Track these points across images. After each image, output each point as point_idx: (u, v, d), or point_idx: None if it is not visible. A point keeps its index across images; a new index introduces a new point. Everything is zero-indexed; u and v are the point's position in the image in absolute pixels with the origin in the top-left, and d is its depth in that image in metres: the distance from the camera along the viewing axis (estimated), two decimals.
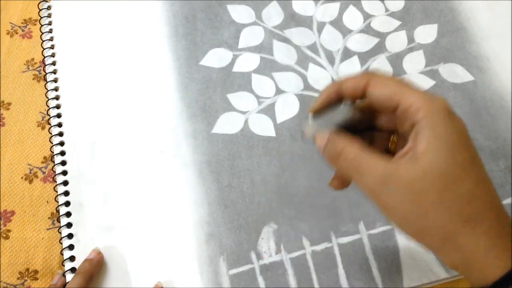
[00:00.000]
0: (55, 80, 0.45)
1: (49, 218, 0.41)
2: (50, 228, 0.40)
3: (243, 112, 0.44)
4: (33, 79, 0.46)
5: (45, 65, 0.46)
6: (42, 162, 0.43)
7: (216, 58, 0.46)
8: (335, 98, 0.28)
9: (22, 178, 0.42)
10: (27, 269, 0.39)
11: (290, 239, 0.39)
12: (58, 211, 0.40)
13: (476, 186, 0.24)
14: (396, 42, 0.47)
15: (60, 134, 0.43)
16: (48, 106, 0.44)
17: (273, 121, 0.43)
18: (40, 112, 0.45)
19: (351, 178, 0.27)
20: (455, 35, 0.47)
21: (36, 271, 0.39)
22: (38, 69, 0.47)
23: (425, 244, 0.25)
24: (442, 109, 0.25)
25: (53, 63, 0.46)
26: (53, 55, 0.46)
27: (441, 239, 0.24)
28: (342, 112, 0.27)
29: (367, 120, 0.29)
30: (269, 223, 0.39)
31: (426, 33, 0.47)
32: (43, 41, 0.47)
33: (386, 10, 0.48)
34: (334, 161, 0.27)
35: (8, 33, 0.48)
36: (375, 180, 0.25)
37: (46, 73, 0.46)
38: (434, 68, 0.45)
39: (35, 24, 0.49)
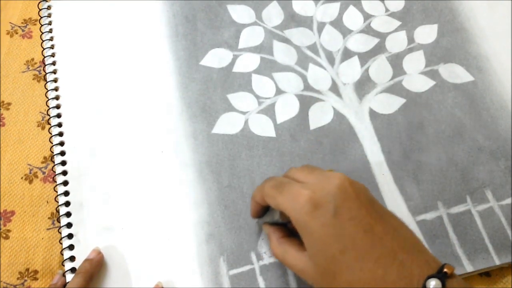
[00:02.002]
0: (55, 80, 0.45)
1: (49, 218, 0.41)
2: (50, 228, 0.40)
3: (243, 113, 0.44)
4: (33, 79, 0.46)
5: (45, 65, 0.46)
6: (42, 162, 0.43)
7: (216, 58, 0.46)
8: (260, 206, 0.35)
9: (22, 178, 0.42)
10: (27, 269, 0.39)
11: None
12: (58, 211, 0.40)
13: (352, 273, 0.27)
14: (396, 42, 0.47)
15: (60, 134, 0.43)
16: (48, 106, 0.44)
17: (273, 121, 0.43)
18: (40, 112, 0.45)
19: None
20: (455, 35, 0.47)
21: (36, 271, 0.39)
22: (38, 69, 0.47)
23: None
24: (304, 206, 0.28)
25: (53, 63, 0.46)
26: (53, 55, 0.46)
27: None
28: (272, 216, 0.35)
29: None
30: None
31: (426, 33, 0.47)
32: (43, 41, 0.47)
33: (386, 10, 0.48)
34: (272, 252, 0.35)
35: (8, 33, 0.48)
36: (296, 272, 0.31)
37: (46, 73, 0.46)
38: (434, 68, 0.45)
39: (35, 24, 0.49)
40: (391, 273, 0.26)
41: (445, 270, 0.26)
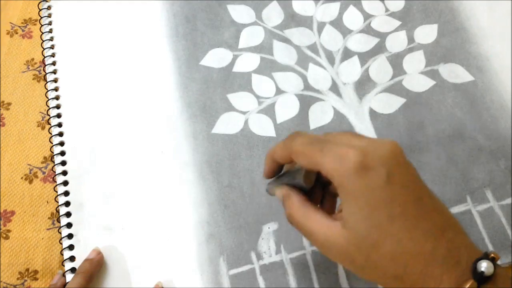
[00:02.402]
0: (55, 80, 0.45)
1: (49, 218, 0.41)
2: (50, 228, 0.40)
3: (243, 112, 0.44)
4: (33, 79, 0.46)
5: (45, 65, 0.46)
6: (42, 162, 0.43)
7: (216, 58, 0.46)
8: (277, 166, 0.30)
9: (22, 178, 0.42)
10: (27, 269, 0.39)
11: (290, 239, 0.39)
12: (58, 211, 0.40)
13: (398, 244, 0.24)
14: (396, 42, 0.47)
15: (60, 134, 0.43)
16: (48, 106, 0.44)
17: (273, 121, 0.43)
18: (40, 112, 0.45)
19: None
20: (455, 35, 0.47)
21: (36, 271, 0.39)
22: (38, 69, 0.47)
23: None
24: (353, 168, 0.25)
25: (53, 63, 0.46)
26: (53, 55, 0.46)
27: (380, 285, 0.26)
28: (291, 177, 0.30)
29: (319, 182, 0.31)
30: (269, 223, 0.39)
31: (426, 33, 0.47)
32: (43, 41, 0.47)
33: (386, 10, 0.48)
34: (289, 221, 0.29)
35: (8, 33, 0.48)
36: (319, 244, 0.27)
37: (46, 73, 0.46)
38: (434, 68, 0.45)
39: (35, 24, 0.49)
40: (440, 248, 0.24)
41: (492, 255, 0.24)
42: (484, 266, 0.24)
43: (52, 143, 0.43)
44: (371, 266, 0.25)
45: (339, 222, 0.26)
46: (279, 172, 0.31)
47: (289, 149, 0.28)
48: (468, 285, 0.23)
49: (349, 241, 0.25)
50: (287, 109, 0.44)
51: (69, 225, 0.40)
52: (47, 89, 0.45)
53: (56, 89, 0.45)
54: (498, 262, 0.36)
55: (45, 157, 0.43)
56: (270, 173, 0.31)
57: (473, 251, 0.25)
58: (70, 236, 0.39)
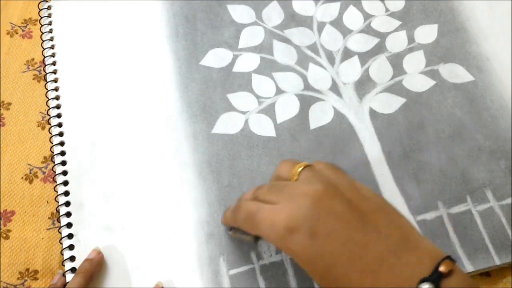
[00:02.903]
0: (55, 80, 0.45)
1: (49, 218, 0.41)
2: (50, 228, 0.40)
3: (243, 112, 0.44)
4: (33, 79, 0.46)
5: (45, 65, 0.46)
6: (42, 162, 0.43)
7: (216, 58, 0.46)
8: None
9: (22, 178, 0.42)
10: (27, 269, 0.39)
11: None
12: (58, 211, 0.40)
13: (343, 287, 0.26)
14: (396, 42, 0.47)
15: (60, 134, 0.43)
16: (48, 106, 0.44)
17: (273, 121, 0.43)
18: (40, 112, 0.45)
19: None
20: (455, 35, 0.47)
21: (36, 271, 0.39)
22: (38, 69, 0.47)
23: None
24: (281, 234, 0.28)
25: (53, 63, 0.46)
26: (53, 55, 0.46)
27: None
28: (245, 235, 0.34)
29: None
30: None
31: (426, 33, 0.47)
32: (43, 41, 0.47)
33: (386, 10, 0.48)
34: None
35: (8, 33, 0.48)
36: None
37: (46, 73, 0.46)
38: (434, 68, 0.45)
39: (35, 24, 0.49)
40: (380, 281, 0.25)
41: (440, 269, 0.24)
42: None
43: (52, 143, 0.43)
44: None
45: None
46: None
47: (235, 223, 0.33)
48: None
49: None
50: (287, 109, 0.44)
51: (69, 225, 0.40)
52: (47, 89, 0.45)
53: (56, 89, 0.45)
54: (497, 262, 0.37)
55: (45, 157, 0.43)
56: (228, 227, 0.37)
57: (418, 270, 0.25)
58: (70, 236, 0.39)
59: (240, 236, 0.35)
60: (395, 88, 0.45)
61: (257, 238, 0.34)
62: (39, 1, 0.49)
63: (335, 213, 0.27)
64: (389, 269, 0.25)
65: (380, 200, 0.29)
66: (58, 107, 0.44)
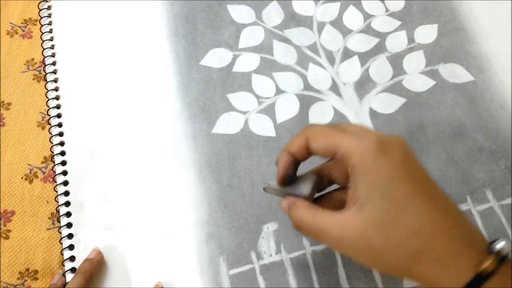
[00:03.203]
0: (55, 80, 0.45)
1: (49, 218, 0.41)
2: (50, 228, 0.40)
3: (243, 112, 0.44)
4: (33, 79, 0.46)
5: (45, 65, 0.46)
6: (42, 162, 0.43)
7: (216, 58, 0.46)
8: (292, 162, 0.30)
9: (22, 178, 0.42)
10: (27, 269, 0.39)
11: (290, 239, 0.39)
12: (58, 211, 0.40)
13: (418, 218, 0.24)
14: (396, 42, 0.47)
15: (60, 134, 0.43)
16: (48, 106, 0.44)
17: (273, 121, 0.43)
18: (40, 112, 0.45)
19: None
20: (455, 35, 0.47)
21: (36, 271, 0.39)
22: (38, 69, 0.47)
23: (390, 274, 0.26)
24: (373, 146, 0.26)
25: (53, 63, 0.46)
26: (53, 55, 0.46)
27: (398, 273, 0.26)
28: (301, 190, 0.30)
29: (327, 181, 0.32)
30: (269, 223, 0.39)
31: (426, 33, 0.47)
32: (43, 41, 0.47)
33: (386, 10, 0.48)
34: (298, 227, 0.29)
35: (8, 33, 0.48)
36: (333, 240, 0.27)
37: (46, 73, 0.46)
38: (434, 68, 0.45)
39: (35, 24, 0.49)
40: (458, 226, 0.25)
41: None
42: (502, 245, 0.24)
43: (52, 143, 0.43)
44: (390, 246, 0.25)
45: (354, 208, 0.26)
46: (294, 171, 0.31)
47: (306, 133, 0.28)
48: (488, 263, 0.23)
49: (368, 221, 0.25)
50: (287, 109, 0.44)
51: (69, 225, 0.40)
52: (47, 89, 0.45)
53: (56, 89, 0.45)
54: None
55: (45, 157, 0.43)
56: (285, 173, 0.30)
57: (483, 237, 0.25)
58: (70, 236, 0.39)
59: (274, 191, 0.31)
60: (395, 88, 0.45)
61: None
62: (39, 1, 0.49)
63: (418, 161, 0.27)
64: (465, 222, 0.25)
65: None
66: (58, 107, 0.44)
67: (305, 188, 0.30)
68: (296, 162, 0.30)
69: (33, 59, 0.47)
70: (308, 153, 0.29)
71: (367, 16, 0.48)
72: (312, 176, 0.31)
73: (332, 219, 0.27)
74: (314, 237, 0.28)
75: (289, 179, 0.31)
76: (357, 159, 0.26)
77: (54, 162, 0.42)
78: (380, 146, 0.26)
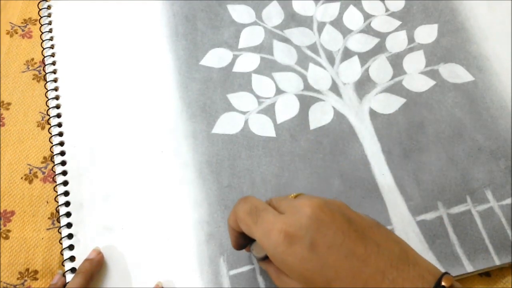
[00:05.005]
0: (55, 80, 0.45)
1: (49, 218, 0.41)
2: (50, 228, 0.40)
3: (243, 112, 0.44)
4: (33, 79, 0.46)
5: (45, 65, 0.46)
6: (42, 162, 0.43)
7: (216, 58, 0.46)
8: (237, 233, 0.31)
9: (22, 178, 0.42)
10: (27, 269, 0.39)
11: None
12: (58, 211, 0.40)
13: None
14: (396, 42, 0.47)
15: (60, 134, 0.43)
16: (48, 106, 0.44)
17: (273, 121, 0.43)
18: (40, 112, 0.45)
19: None
20: (455, 35, 0.47)
21: (36, 271, 0.39)
22: (38, 69, 0.47)
23: None
24: (278, 244, 0.26)
25: (53, 63, 0.46)
26: (53, 55, 0.46)
27: None
28: (253, 253, 0.31)
29: None
30: None
31: (426, 33, 0.47)
32: (43, 41, 0.47)
33: (386, 10, 0.48)
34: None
35: (8, 33, 0.48)
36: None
37: (46, 73, 0.46)
38: (434, 68, 0.45)
39: (35, 24, 0.49)
40: None
41: (443, 284, 0.24)
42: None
43: (52, 143, 0.43)
44: None
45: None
46: (244, 240, 0.32)
47: (236, 215, 0.30)
48: None
49: None
50: (287, 109, 0.44)
51: (69, 225, 0.40)
52: (47, 89, 0.45)
53: (56, 89, 0.45)
54: (497, 262, 0.37)
55: (45, 157, 0.43)
56: (236, 244, 0.33)
57: (422, 282, 0.25)
58: (70, 236, 0.39)
59: (252, 252, 0.32)
60: (395, 88, 0.45)
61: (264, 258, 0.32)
62: (39, 1, 0.49)
63: (336, 226, 0.27)
64: (390, 283, 0.25)
65: (374, 219, 0.29)
66: (57, 107, 0.44)
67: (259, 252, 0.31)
68: (242, 233, 0.31)
69: (32, 59, 0.47)
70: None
71: (367, 16, 0.48)
72: None
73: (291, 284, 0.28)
74: None
75: (246, 244, 0.33)
76: (270, 256, 0.27)
77: (53, 162, 0.42)
78: (285, 242, 0.26)
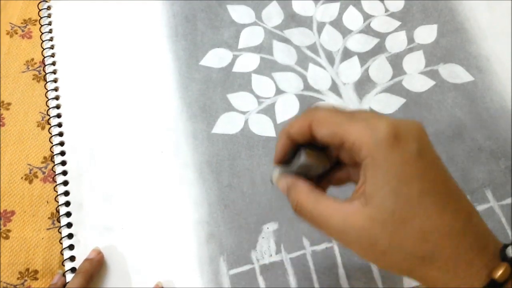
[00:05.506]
0: (55, 80, 0.45)
1: (49, 218, 0.41)
2: (50, 228, 0.40)
3: (243, 112, 0.44)
4: (33, 79, 0.46)
5: (45, 65, 0.46)
6: (42, 162, 0.43)
7: (216, 58, 0.46)
8: (291, 145, 0.27)
9: (22, 178, 0.42)
10: (27, 269, 0.39)
11: (290, 239, 0.39)
12: (58, 211, 0.40)
13: (429, 220, 0.23)
14: (396, 42, 0.47)
15: (60, 134, 0.43)
16: (48, 106, 0.44)
17: (273, 121, 0.43)
18: (40, 112, 0.45)
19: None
20: (455, 35, 0.47)
21: (36, 271, 0.39)
22: (38, 69, 0.47)
23: (391, 272, 0.25)
24: (385, 138, 0.23)
25: (53, 63, 0.46)
26: (53, 55, 0.46)
27: (403, 272, 0.24)
28: (298, 162, 0.27)
29: (332, 159, 0.28)
30: (269, 223, 0.39)
31: (426, 33, 0.47)
32: (43, 41, 0.47)
33: (386, 10, 0.48)
34: (297, 211, 0.26)
35: (8, 33, 0.48)
36: (334, 230, 0.25)
37: (46, 73, 0.46)
38: (434, 68, 0.45)
39: (35, 24, 0.49)
40: (469, 231, 0.23)
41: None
42: None
43: (52, 143, 0.43)
44: (396, 247, 0.23)
45: (358, 201, 0.24)
46: (292, 155, 0.28)
47: (310, 117, 0.26)
48: (501, 270, 0.22)
49: (373, 218, 0.23)
50: (287, 109, 0.44)
51: (69, 225, 0.40)
52: (47, 89, 0.45)
53: (56, 89, 0.45)
54: None
55: (45, 157, 0.43)
56: (282, 153, 0.28)
57: (496, 239, 0.24)
58: (70, 236, 0.39)
59: (312, 164, 0.27)
60: (395, 88, 0.45)
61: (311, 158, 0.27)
62: (39, 1, 0.49)
63: (435, 152, 0.25)
64: (476, 225, 0.23)
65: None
66: (57, 107, 0.44)
67: (304, 159, 0.27)
68: (295, 146, 0.27)
69: (32, 59, 0.47)
70: (311, 138, 0.26)
71: (367, 17, 0.48)
72: (319, 152, 0.27)
73: (335, 209, 0.25)
74: (314, 225, 0.26)
75: (286, 161, 0.28)
76: (367, 152, 0.23)
77: (54, 162, 0.42)
78: (393, 137, 0.23)
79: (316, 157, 0.26)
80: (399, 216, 0.23)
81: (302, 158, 0.26)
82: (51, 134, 0.43)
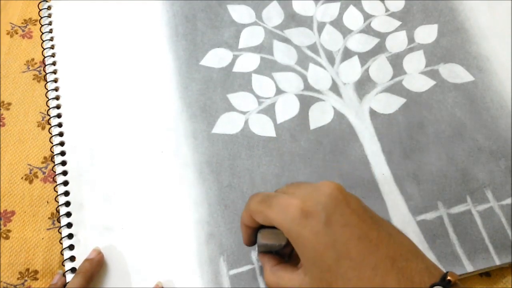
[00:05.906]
0: (55, 80, 0.45)
1: (49, 218, 0.41)
2: (50, 228, 0.40)
3: (243, 112, 0.44)
4: (33, 79, 0.46)
5: (45, 65, 0.46)
6: (42, 162, 0.43)
7: (216, 58, 0.46)
8: (251, 230, 0.32)
9: (22, 178, 0.42)
10: (27, 269, 0.39)
11: None
12: (58, 211, 0.40)
13: (348, 283, 0.26)
14: (396, 42, 0.47)
15: (60, 134, 0.43)
16: (48, 106, 0.44)
17: (273, 121, 0.43)
18: (40, 112, 0.45)
19: None
20: (455, 35, 0.47)
21: (36, 271, 0.39)
22: (38, 69, 0.47)
23: None
24: (295, 217, 0.27)
25: (53, 63, 0.46)
26: (53, 55, 0.46)
27: None
28: (259, 240, 0.32)
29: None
30: None
31: (426, 33, 0.47)
32: (43, 41, 0.47)
33: (386, 10, 0.48)
34: (267, 285, 0.32)
35: (8, 33, 0.48)
36: None
37: (46, 73, 0.46)
38: (434, 68, 0.45)
39: (35, 24, 0.49)
40: (390, 281, 0.25)
41: (448, 278, 0.25)
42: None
43: (52, 143, 0.43)
44: None
45: (302, 270, 0.28)
46: (256, 236, 0.33)
47: (249, 211, 0.30)
48: None
49: (310, 284, 0.27)
50: (287, 109, 0.44)
51: (69, 225, 0.40)
52: (47, 89, 0.45)
53: (56, 89, 0.45)
54: (497, 262, 0.37)
55: (45, 157, 0.43)
56: (247, 240, 0.33)
57: (427, 276, 0.25)
58: (70, 236, 0.39)
59: (267, 243, 0.32)
60: (395, 88, 0.45)
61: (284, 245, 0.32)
62: (39, 1, 0.49)
63: (352, 209, 0.27)
64: (399, 271, 0.25)
65: (383, 218, 0.30)
66: (58, 107, 0.44)
67: (261, 238, 0.32)
68: (256, 229, 0.32)
69: (33, 59, 0.47)
70: (258, 224, 0.31)
71: (367, 16, 0.48)
72: (277, 231, 0.31)
73: (289, 280, 0.29)
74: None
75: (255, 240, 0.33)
76: (286, 231, 0.28)
77: (54, 162, 0.42)
78: (301, 215, 0.27)
79: (272, 236, 0.31)
80: (325, 282, 0.27)
81: (258, 240, 0.31)
82: (51, 134, 0.43)
